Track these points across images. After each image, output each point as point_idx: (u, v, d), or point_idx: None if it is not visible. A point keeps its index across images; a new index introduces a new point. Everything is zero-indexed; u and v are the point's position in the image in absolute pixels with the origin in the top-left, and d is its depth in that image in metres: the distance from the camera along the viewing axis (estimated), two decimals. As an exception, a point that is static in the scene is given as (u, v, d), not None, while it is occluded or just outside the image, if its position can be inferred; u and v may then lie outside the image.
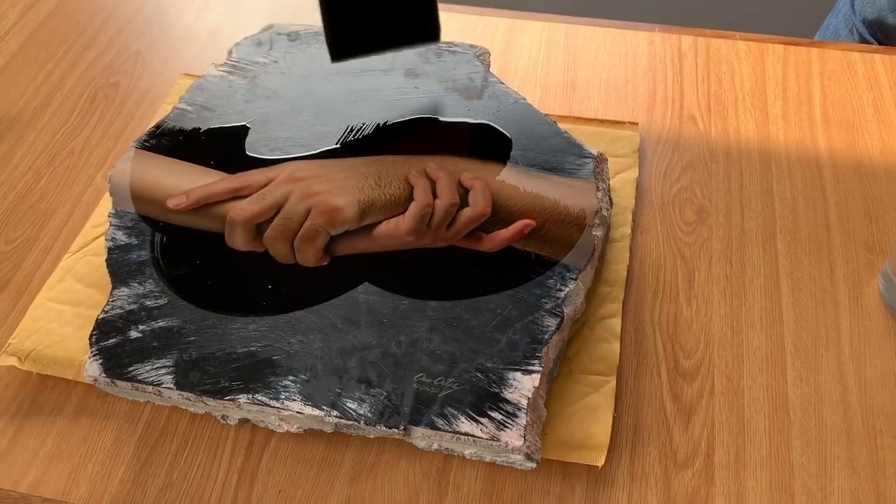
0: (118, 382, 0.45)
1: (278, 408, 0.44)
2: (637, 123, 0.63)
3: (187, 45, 0.72)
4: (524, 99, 0.58)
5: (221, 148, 0.55)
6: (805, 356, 0.50)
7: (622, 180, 0.59)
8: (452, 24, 0.72)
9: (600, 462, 0.44)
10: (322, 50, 0.61)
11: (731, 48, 0.70)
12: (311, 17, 0.74)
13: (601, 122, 0.63)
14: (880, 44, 0.78)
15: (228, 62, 0.61)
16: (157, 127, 0.57)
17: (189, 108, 0.58)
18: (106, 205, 0.57)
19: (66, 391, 0.49)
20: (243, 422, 0.47)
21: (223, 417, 0.46)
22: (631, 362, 0.50)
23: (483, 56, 0.61)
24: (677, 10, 1.69)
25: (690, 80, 0.68)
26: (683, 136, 0.63)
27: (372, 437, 0.46)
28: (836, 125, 0.64)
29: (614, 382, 0.48)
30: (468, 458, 0.45)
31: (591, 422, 0.46)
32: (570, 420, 0.46)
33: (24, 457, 0.46)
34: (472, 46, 0.62)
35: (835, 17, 0.86)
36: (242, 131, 0.56)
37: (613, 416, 0.46)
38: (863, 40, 0.80)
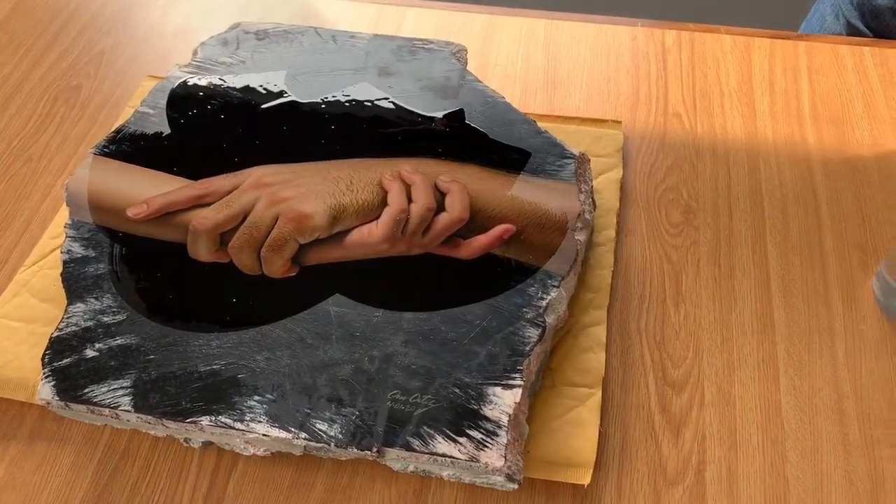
0: (73, 405, 0.42)
1: (243, 430, 0.41)
2: (620, 122, 0.60)
3: (153, 45, 0.69)
4: (503, 97, 0.56)
5: (185, 153, 0.52)
6: (798, 363, 0.48)
7: (605, 181, 0.56)
8: (428, 20, 0.70)
9: (586, 481, 0.42)
10: (291, 49, 0.59)
11: (717, 42, 0.68)
12: (280, 14, 0.72)
13: (583, 120, 0.60)
14: (868, 28, 0.76)
15: (193, 62, 0.58)
16: (118, 132, 0.54)
17: (151, 111, 0.55)
18: (65, 215, 0.54)
19: (20, 414, 0.46)
20: (207, 444, 0.44)
21: (186, 440, 0.44)
22: (617, 373, 0.48)
23: (460, 53, 0.59)
24: (659, 2, 1.67)
25: (675, 75, 0.65)
26: (668, 134, 0.61)
27: (344, 459, 0.43)
28: (826, 121, 0.62)
29: (600, 395, 0.45)
30: (446, 479, 0.42)
31: (576, 437, 0.44)
32: (553, 436, 0.44)
33: (-25, 485, 0.44)
34: (448, 43, 0.59)
35: (822, 4, 0.84)
36: (207, 135, 0.53)
37: (599, 431, 0.44)
38: (849, 25, 0.78)
